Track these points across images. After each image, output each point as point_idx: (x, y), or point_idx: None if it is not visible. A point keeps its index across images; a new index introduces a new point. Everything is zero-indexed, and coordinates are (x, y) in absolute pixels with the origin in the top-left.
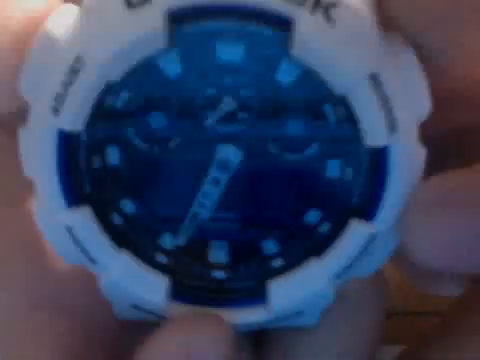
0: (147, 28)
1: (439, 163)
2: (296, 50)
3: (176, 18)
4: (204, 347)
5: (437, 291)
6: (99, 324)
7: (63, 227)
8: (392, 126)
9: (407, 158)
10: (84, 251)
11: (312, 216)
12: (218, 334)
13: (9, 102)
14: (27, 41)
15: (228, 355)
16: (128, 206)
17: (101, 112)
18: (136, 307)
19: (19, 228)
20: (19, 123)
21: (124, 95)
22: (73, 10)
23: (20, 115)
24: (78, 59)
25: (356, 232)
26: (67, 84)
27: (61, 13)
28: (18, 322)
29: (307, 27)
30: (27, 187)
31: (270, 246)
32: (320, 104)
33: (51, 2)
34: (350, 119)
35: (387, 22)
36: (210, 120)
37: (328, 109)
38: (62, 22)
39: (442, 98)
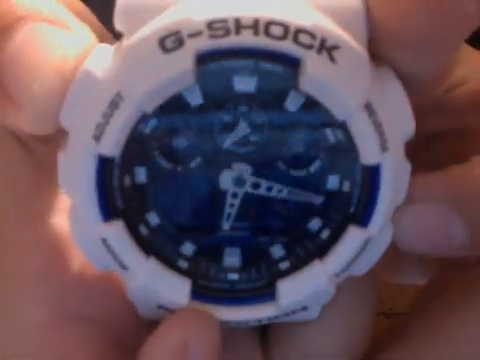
0: (179, 68)
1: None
2: (303, 85)
3: (202, 59)
4: (197, 336)
5: (405, 280)
6: (123, 329)
7: (98, 239)
8: (383, 146)
9: (396, 172)
10: (117, 259)
11: (314, 223)
12: (207, 325)
13: (49, 128)
14: (68, 74)
15: (217, 342)
16: (153, 218)
17: (133, 137)
18: (161, 307)
19: (44, 243)
20: (50, 150)
21: (152, 122)
22: (108, 50)
23: (48, 139)
24: (118, 95)
25: (353, 237)
26: (108, 116)
27: (98, 53)
28: (49, 333)
29: (313, 66)
30: (45, 204)
31: (278, 250)
32: (322, 127)
33: (89, 42)
34: (348, 140)
35: (376, 55)
36: (227, 142)
37: (329, 132)
38: (100, 62)
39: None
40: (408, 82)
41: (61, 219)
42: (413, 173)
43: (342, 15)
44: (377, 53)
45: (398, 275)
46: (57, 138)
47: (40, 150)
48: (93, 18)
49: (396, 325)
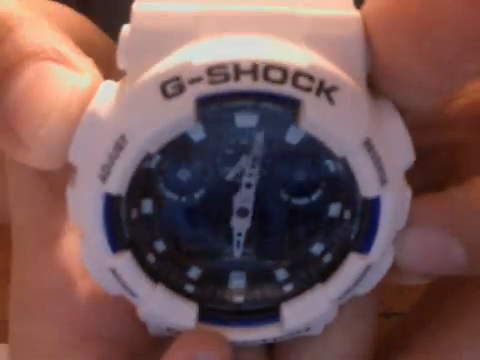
0: (180, 114)
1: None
2: (303, 124)
3: (203, 102)
4: (209, 355)
5: (406, 282)
6: (136, 346)
7: (108, 268)
8: (383, 180)
9: (395, 202)
10: (126, 287)
11: (317, 249)
12: (219, 343)
13: (55, 165)
14: (74, 116)
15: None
16: (160, 246)
17: (138, 173)
18: (169, 330)
19: (61, 264)
20: (64, 179)
21: (157, 158)
22: (112, 89)
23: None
24: (122, 137)
25: (354, 263)
26: (113, 157)
27: (102, 93)
28: (70, 353)
29: (312, 108)
30: (61, 226)
31: (281, 274)
32: (323, 159)
33: (93, 79)
34: (348, 172)
35: (376, 88)
36: (230, 175)
37: (329, 163)
38: (104, 102)
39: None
40: (408, 114)
41: (76, 240)
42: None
43: (340, 49)
44: (376, 87)
45: (399, 276)
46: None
47: (54, 173)
48: (96, 32)
49: (398, 331)
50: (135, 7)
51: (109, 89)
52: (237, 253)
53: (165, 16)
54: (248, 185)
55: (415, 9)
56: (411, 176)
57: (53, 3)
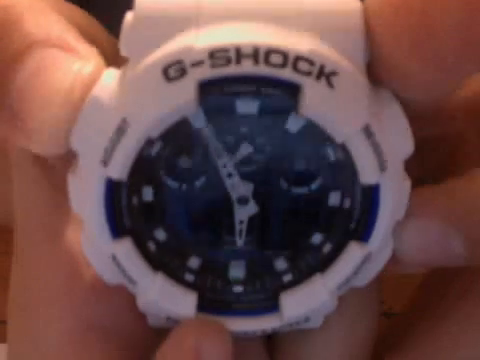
0: (182, 98)
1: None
2: (303, 110)
3: (205, 86)
4: (211, 343)
5: (404, 271)
6: (137, 337)
7: (108, 256)
8: (382, 167)
9: (395, 191)
10: (126, 275)
11: (316, 238)
12: (219, 332)
13: (58, 150)
14: (76, 101)
15: (229, 349)
16: (161, 235)
17: (139, 159)
18: (169, 319)
19: (64, 259)
20: (66, 168)
21: (158, 144)
22: (115, 74)
23: (63, 158)
24: (124, 121)
25: (353, 252)
26: (115, 141)
27: (105, 79)
28: (73, 344)
29: (312, 93)
30: (63, 221)
31: (281, 263)
32: (323, 147)
33: (97, 66)
34: (347, 159)
35: (376, 77)
36: (230, 162)
37: (329, 150)
38: (107, 87)
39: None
40: (408, 105)
41: (78, 237)
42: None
43: (341, 36)
44: (376, 77)
45: (397, 265)
46: (71, 158)
47: (56, 169)
48: (99, 29)
49: (393, 328)
50: None
51: (112, 76)
52: (240, 242)
53: (167, 3)
54: (248, 173)
55: (417, 8)
56: (410, 167)
57: (60, 0)
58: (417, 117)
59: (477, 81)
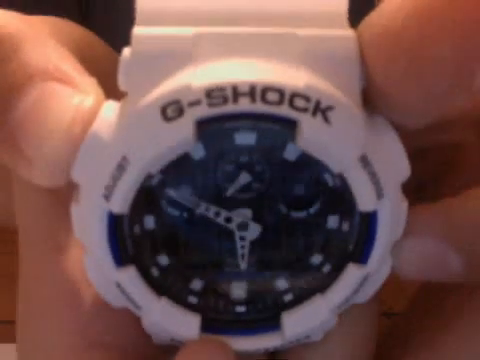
0: (180, 137)
1: None
2: (300, 143)
3: (202, 123)
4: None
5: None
6: (141, 354)
7: (112, 282)
8: (379, 194)
9: (392, 215)
10: (130, 300)
11: (316, 259)
12: (224, 351)
13: (59, 182)
14: (77, 135)
15: None
16: (163, 260)
17: (140, 190)
18: (173, 340)
19: (67, 273)
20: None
21: (158, 176)
22: (114, 107)
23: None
24: (124, 159)
25: (352, 273)
26: (116, 178)
27: (105, 112)
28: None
29: (309, 128)
30: (67, 235)
31: (282, 283)
32: (321, 173)
33: (96, 99)
34: (345, 186)
35: (371, 104)
36: (230, 191)
37: (327, 177)
38: (107, 122)
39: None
40: (403, 130)
41: (81, 249)
42: (406, 190)
43: (336, 67)
44: (371, 104)
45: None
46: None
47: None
48: (99, 44)
49: (394, 331)
50: (135, 30)
51: (111, 110)
52: (243, 265)
53: (164, 39)
54: (247, 200)
55: (408, 40)
56: (412, 173)
57: (52, 18)
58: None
59: (479, 92)
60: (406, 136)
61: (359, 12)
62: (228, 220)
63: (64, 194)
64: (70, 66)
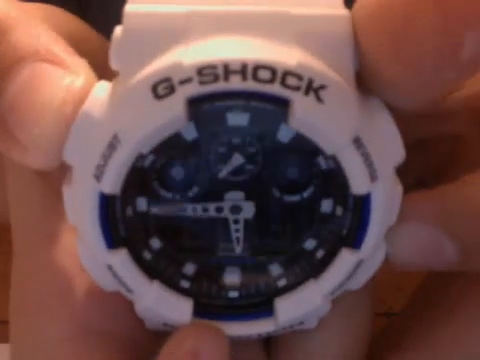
0: (171, 115)
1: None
2: (293, 123)
3: (194, 102)
4: (209, 346)
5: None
6: (136, 340)
7: (104, 265)
8: (373, 176)
9: (386, 198)
10: (122, 284)
11: (309, 244)
12: (217, 336)
13: (52, 164)
14: (68, 116)
15: (226, 352)
16: (156, 243)
17: (132, 172)
18: (166, 325)
19: (61, 262)
20: (61, 179)
21: (150, 157)
22: (106, 87)
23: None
24: (115, 137)
25: (345, 258)
26: (106, 157)
27: (96, 93)
28: (71, 348)
29: (301, 107)
30: (59, 224)
31: (275, 269)
32: (314, 156)
33: (87, 79)
34: (338, 169)
35: (365, 86)
36: (223, 172)
37: (321, 160)
38: (98, 102)
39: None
40: (398, 112)
41: (74, 237)
42: (404, 180)
43: (330, 47)
44: (366, 86)
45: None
46: (65, 169)
47: (52, 172)
48: (92, 33)
49: (391, 328)
50: (127, 8)
51: (103, 89)
52: (238, 250)
53: (156, 16)
54: (240, 182)
55: (398, 15)
56: (411, 167)
57: (47, 5)
58: (418, 116)
59: (477, 81)
60: (406, 126)
61: None
62: (219, 210)
63: (56, 182)
64: (61, 48)
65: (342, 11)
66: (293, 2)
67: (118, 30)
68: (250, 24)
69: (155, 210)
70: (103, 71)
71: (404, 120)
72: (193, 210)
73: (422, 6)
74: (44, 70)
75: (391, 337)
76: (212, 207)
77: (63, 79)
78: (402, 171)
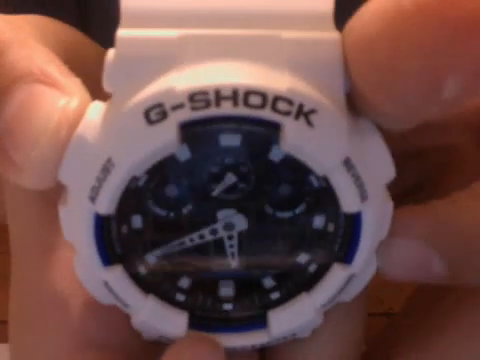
0: (164, 139)
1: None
2: (284, 146)
3: (186, 126)
4: (206, 358)
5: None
6: (134, 351)
7: (100, 281)
8: (363, 196)
9: (376, 216)
10: (118, 299)
11: (302, 258)
12: (213, 347)
13: (47, 185)
14: (63, 138)
15: None
16: (151, 259)
17: (126, 191)
18: (162, 337)
19: (59, 274)
20: (58, 192)
21: (144, 177)
22: (99, 109)
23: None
24: (109, 161)
25: (337, 273)
26: (101, 180)
27: (90, 114)
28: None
29: (292, 131)
30: (57, 237)
31: (269, 282)
32: (306, 174)
33: (82, 100)
34: (330, 187)
35: (355, 107)
36: (216, 191)
37: (312, 178)
38: (92, 124)
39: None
40: (388, 132)
41: (71, 250)
42: (397, 190)
43: (320, 70)
44: (356, 107)
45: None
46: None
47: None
48: (89, 44)
49: (396, 327)
50: (119, 33)
51: (96, 111)
52: (234, 264)
53: (148, 41)
54: (233, 200)
55: (383, 50)
56: (407, 176)
57: (40, 17)
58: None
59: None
60: (401, 137)
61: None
62: (213, 232)
63: (54, 196)
64: (55, 68)
65: (332, 34)
66: (284, 21)
67: (111, 54)
68: (241, 48)
69: (158, 253)
70: (96, 79)
71: (392, 132)
72: (190, 241)
73: (405, 48)
74: (39, 91)
75: (392, 338)
76: (207, 232)
77: (58, 101)
78: (398, 179)
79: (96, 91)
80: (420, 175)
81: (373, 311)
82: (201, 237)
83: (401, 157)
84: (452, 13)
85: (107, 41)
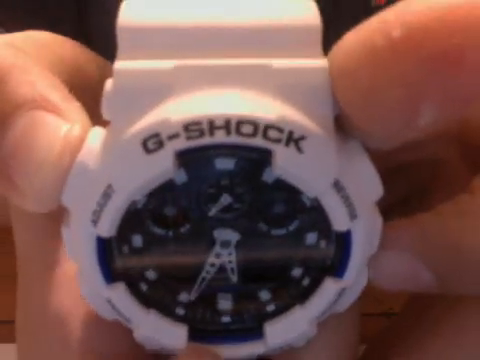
0: (161, 167)
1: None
2: (275, 170)
3: (182, 154)
4: None
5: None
6: None
7: (103, 298)
8: (352, 215)
9: (366, 233)
10: (121, 314)
11: (296, 272)
12: (213, 358)
13: (50, 208)
14: (66, 165)
15: None
16: (151, 275)
17: (126, 214)
18: (163, 349)
19: (63, 289)
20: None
21: (143, 200)
22: (99, 135)
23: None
24: (109, 187)
25: (329, 287)
26: (102, 204)
27: (91, 140)
28: None
29: (282, 157)
30: (61, 250)
31: (265, 294)
32: (298, 194)
33: (83, 126)
34: (321, 207)
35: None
36: (213, 211)
37: (304, 198)
38: (92, 151)
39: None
40: (377, 151)
41: (74, 265)
42: (385, 203)
43: (308, 97)
44: (344, 128)
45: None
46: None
47: None
48: (91, 58)
49: (396, 327)
50: (117, 65)
51: (97, 137)
52: (234, 278)
53: (144, 73)
54: (229, 219)
55: (361, 86)
56: (395, 188)
57: (40, 33)
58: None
59: None
60: (388, 153)
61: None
62: (217, 256)
63: (58, 211)
64: (56, 93)
65: (320, 62)
66: (275, 49)
67: (109, 84)
68: (234, 77)
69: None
70: (99, 96)
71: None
72: (207, 273)
73: (382, 80)
74: (41, 118)
75: (392, 338)
76: (213, 257)
77: (60, 128)
78: (385, 193)
79: (97, 107)
80: (407, 188)
81: (372, 311)
82: (212, 265)
83: (388, 172)
84: (422, 49)
85: (106, 36)
